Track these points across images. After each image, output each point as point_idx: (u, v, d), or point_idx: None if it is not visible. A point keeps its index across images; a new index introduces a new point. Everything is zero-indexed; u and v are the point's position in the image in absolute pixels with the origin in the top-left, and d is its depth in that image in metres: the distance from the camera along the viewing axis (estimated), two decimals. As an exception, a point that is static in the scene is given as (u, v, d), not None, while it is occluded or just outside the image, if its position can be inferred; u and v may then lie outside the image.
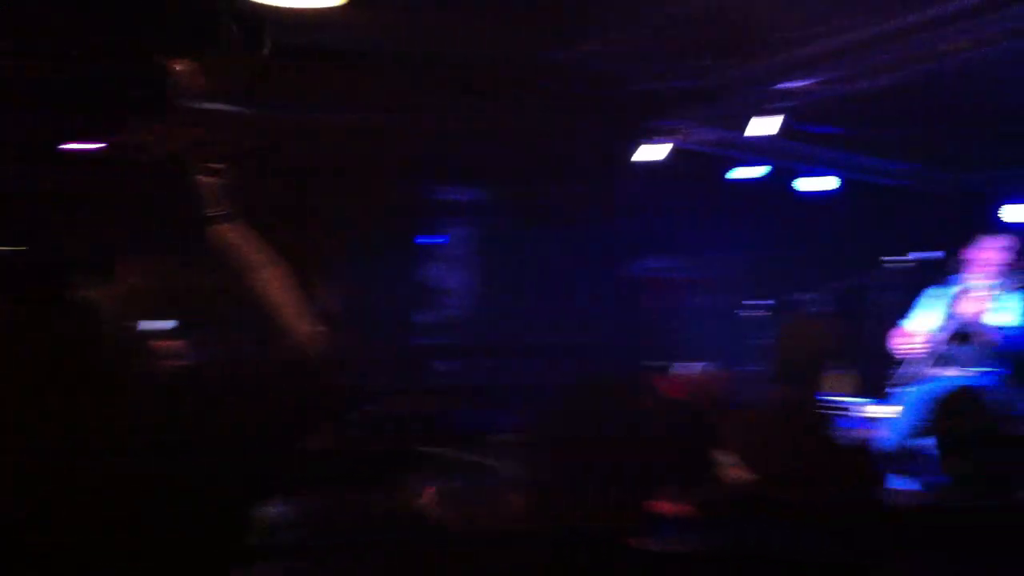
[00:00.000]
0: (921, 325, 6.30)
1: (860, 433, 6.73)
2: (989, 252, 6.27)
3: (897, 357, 6.26)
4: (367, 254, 7.42)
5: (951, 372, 5.98)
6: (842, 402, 7.00)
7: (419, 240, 8.48)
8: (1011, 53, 5.26)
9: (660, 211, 8.36)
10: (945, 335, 6.09)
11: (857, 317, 7.38)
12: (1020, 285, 6.17)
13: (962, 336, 6.03)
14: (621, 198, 8.17)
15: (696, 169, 7.76)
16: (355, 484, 2.49)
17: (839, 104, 6.48)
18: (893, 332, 6.34)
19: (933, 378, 5.97)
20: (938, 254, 6.76)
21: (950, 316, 6.13)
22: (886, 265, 7.04)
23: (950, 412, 3.20)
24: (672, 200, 8.14)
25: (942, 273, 6.57)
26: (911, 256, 6.95)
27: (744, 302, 7.60)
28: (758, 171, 7.99)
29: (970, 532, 2.53)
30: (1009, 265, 6.23)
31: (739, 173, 8.01)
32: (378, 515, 2.41)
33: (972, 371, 5.96)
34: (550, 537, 2.04)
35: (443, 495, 3.28)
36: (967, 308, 6.02)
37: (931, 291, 6.43)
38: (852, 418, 6.86)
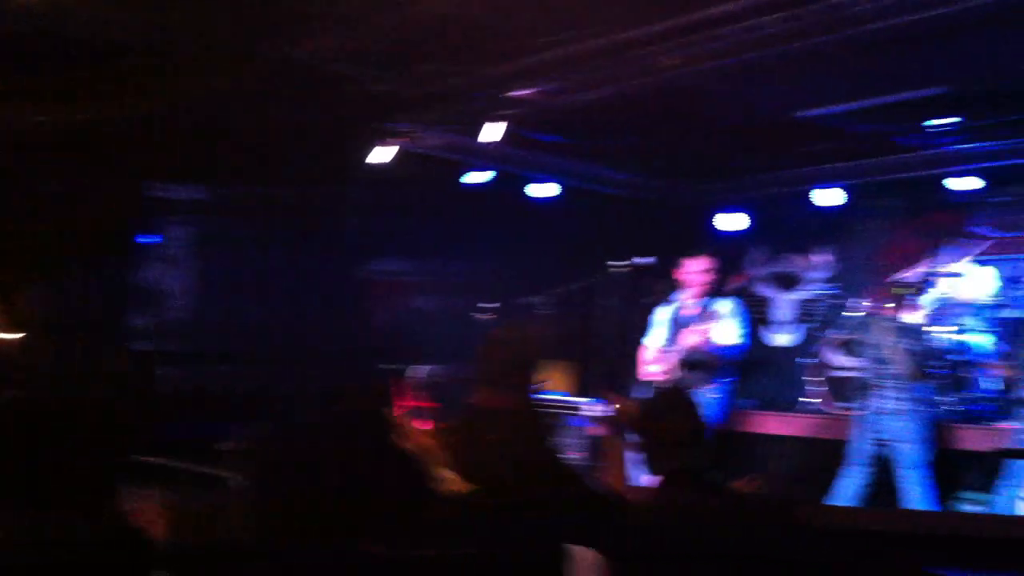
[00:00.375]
0: (656, 344, 6.83)
1: (585, 431, 7.01)
2: (695, 273, 6.84)
3: (646, 381, 6.72)
4: (79, 254, 6.97)
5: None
6: (570, 401, 7.26)
7: (138, 240, 8.05)
8: (716, 71, 5.66)
9: (394, 214, 8.34)
10: (677, 360, 6.59)
11: (583, 318, 7.68)
12: (733, 304, 6.75)
13: (691, 364, 6.56)
14: (353, 200, 8.10)
15: (431, 172, 7.82)
16: (61, 500, 2.30)
17: (563, 113, 6.73)
18: (639, 356, 6.78)
19: None
20: (653, 259, 7.17)
21: (676, 343, 6.65)
22: (610, 269, 7.37)
23: (656, 415, 3.36)
24: (406, 203, 8.15)
25: (659, 278, 7.01)
26: (632, 261, 7.32)
27: (477, 304, 7.71)
28: (489, 176, 8.17)
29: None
30: (714, 283, 6.83)
31: (472, 178, 8.15)
32: (88, 533, 2.25)
33: (706, 388, 6.48)
34: (281, 548, 1.99)
35: (166, 508, 3.13)
36: (690, 339, 6.56)
37: (659, 310, 6.94)
38: (580, 417, 7.12)
